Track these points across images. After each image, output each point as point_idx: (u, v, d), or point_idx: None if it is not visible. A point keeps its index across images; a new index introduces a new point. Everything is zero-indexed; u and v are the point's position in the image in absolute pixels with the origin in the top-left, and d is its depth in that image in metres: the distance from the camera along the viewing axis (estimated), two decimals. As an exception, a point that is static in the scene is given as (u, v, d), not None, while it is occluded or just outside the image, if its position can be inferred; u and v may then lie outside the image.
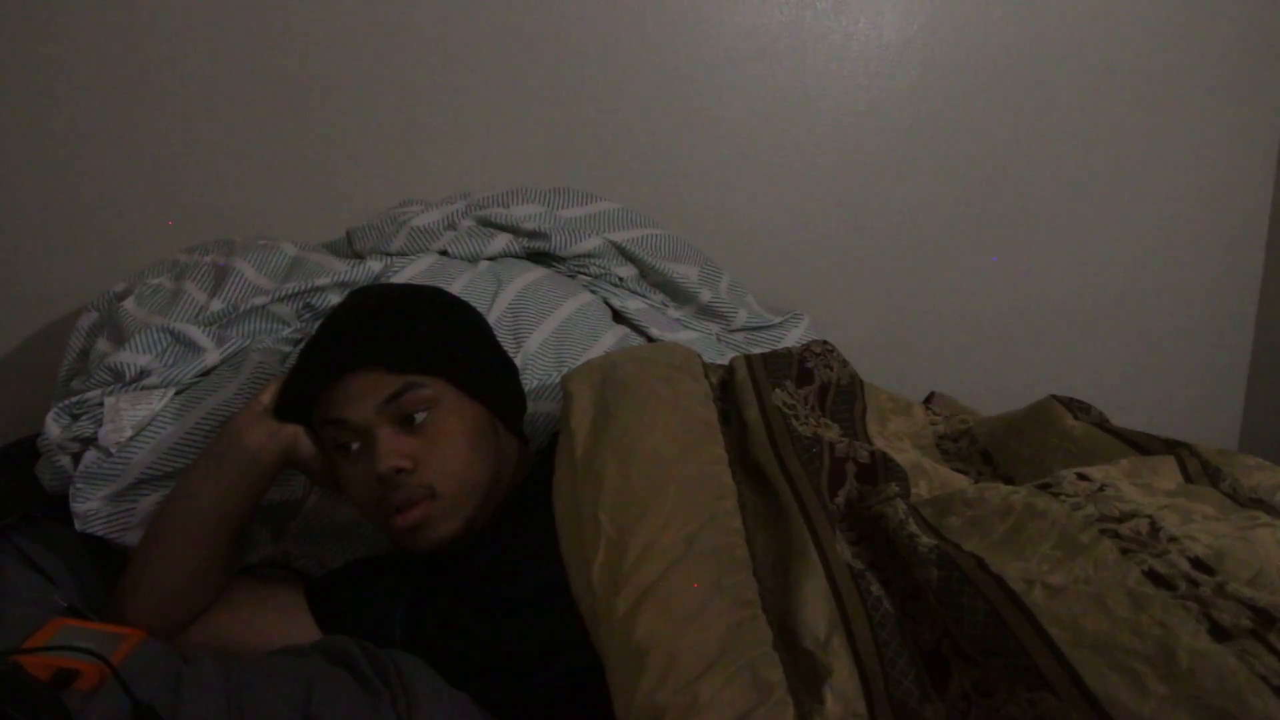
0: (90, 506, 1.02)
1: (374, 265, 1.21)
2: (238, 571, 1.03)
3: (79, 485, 1.02)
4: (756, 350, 1.26)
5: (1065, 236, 1.72)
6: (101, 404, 1.06)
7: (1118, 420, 1.02)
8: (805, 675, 0.71)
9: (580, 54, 1.53)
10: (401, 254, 1.24)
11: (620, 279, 1.33)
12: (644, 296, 1.34)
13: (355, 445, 0.93)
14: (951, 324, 1.73)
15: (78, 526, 1.02)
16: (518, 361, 1.14)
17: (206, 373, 1.11)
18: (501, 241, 1.28)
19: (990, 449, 1.05)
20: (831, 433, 0.95)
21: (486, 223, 1.31)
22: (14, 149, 1.44)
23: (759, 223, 1.63)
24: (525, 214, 1.32)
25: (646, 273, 1.34)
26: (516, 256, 1.31)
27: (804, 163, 1.62)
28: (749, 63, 1.57)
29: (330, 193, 1.50)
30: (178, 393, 1.08)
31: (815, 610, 0.75)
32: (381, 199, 1.44)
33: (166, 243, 1.39)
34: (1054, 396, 1.05)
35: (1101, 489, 0.80)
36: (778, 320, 1.41)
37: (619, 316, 1.31)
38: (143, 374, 1.08)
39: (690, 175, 1.59)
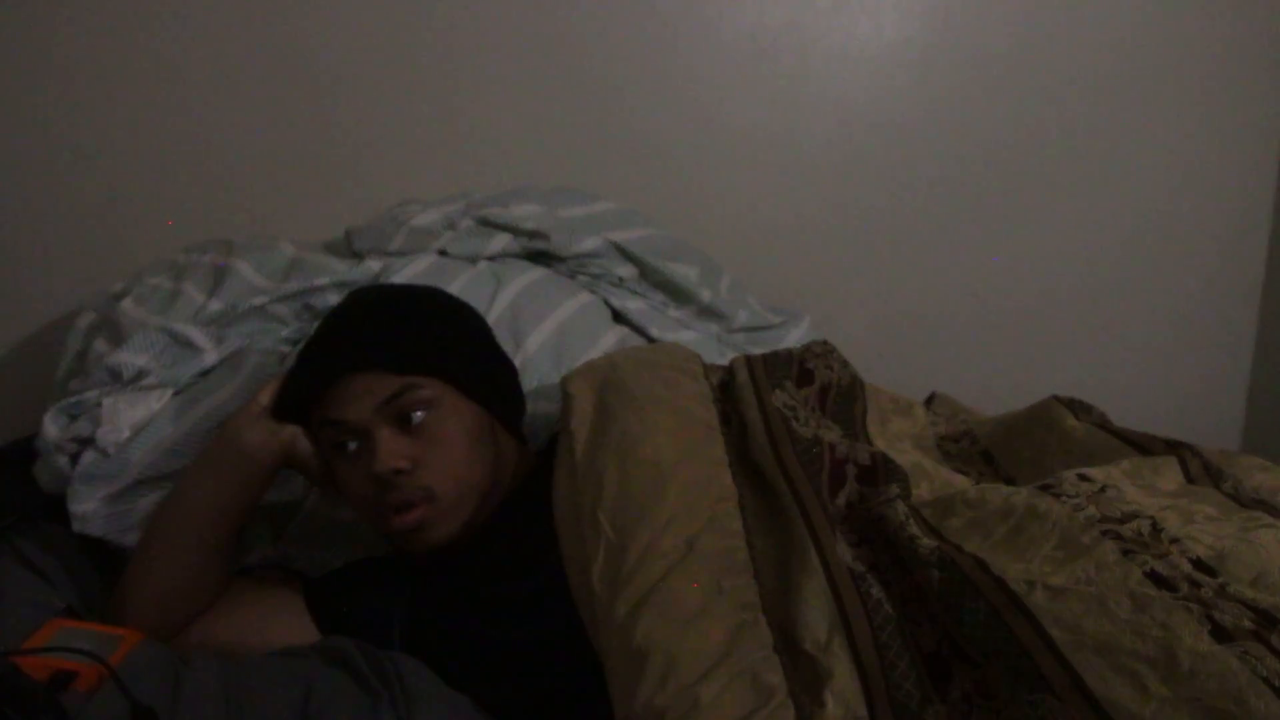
0: (88, 507, 1.02)
1: (373, 265, 1.20)
2: (237, 572, 1.03)
3: (77, 486, 1.02)
4: (757, 350, 1.25)
5: (1066, 236, 1.72)
6: (100, 404, 1.06)
7: (1119, 420, 1.02)
8: (806, 678, 0.71)
9: (581, 54, 1.53)
10: (401, 254, 1.24)
11: (620, 279, 1.33)
12: (644, 297, 1.34)
13: (353, 445, 0.93)
14: (951, 324, 1.73)
15: (75, 527, 1.01)
16: (517, 362, 1.13)
17: (205, 373, 1.10)
18: (501, 241, 1.28)
19: (991, 450, 1.05)
20: (832, 434, 0.95)
21: (486, 223, 1.30)
22: (14, 149, 1.44)
23: (759, 222, 1.63)
24: (525, 214, 1.32)
25: (647, 273, 1.34)
26: (516, 256, 1.30)
27: (804, 162, 1.62)
28: (749, 63, 1.57)
29: (330, 193, 1.50)
30: (176, 393, 1.08)
31: (816, 613, 0.74)
32: (381, 199, 1.44)
33: (166, 243, 1.39)
34: (1055, 397, 1.05)
35: (1103, 490, 0.80)
36: (778, 320, 1.40)
37: (619, 317, 1.31)
38: (141, 374, 1.07)
39: (690, 175, 1.59)
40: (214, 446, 0.97)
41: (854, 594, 0.76)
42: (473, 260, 1.26)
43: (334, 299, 1.15)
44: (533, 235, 1.29)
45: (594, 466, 0.89)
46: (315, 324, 1.06)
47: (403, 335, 0.95)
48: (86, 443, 1.05)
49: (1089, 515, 0.75)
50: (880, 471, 0.88)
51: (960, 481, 0.94)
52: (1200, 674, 0.60)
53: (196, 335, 1.11)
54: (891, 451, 0.94)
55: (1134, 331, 1.79)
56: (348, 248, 1.29)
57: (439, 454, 0.92)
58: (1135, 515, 0.76)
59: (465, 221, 1.29)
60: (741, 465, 0.91)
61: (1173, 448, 0.91)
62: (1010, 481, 0.99)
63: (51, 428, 1.06)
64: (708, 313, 1.35)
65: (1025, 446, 1.02)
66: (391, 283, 1.17)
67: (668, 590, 0.77)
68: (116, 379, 1.07)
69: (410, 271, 1.20)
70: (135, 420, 1.04)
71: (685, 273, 1.34)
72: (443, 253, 1.26)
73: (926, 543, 0.76)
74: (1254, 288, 1.81)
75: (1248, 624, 0.63)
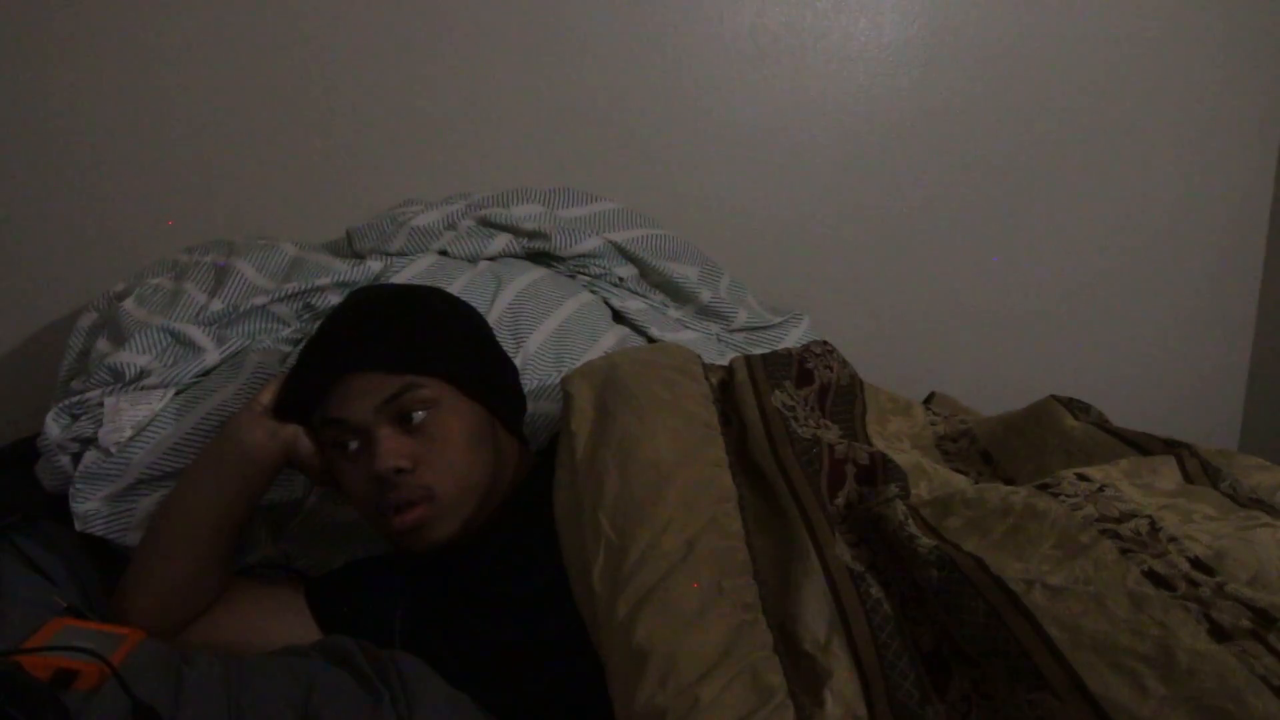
0: (90, 507, 1.02)
1: (374, 265, 1.20)
2: (238, 571, 1.03)
3: (79, 485, 1.02)
4: (757, 350, 1.26)
5: (1065, 236, 1.72)
6: (101, 404, 1.06)
7: (1118, 420, 1.02)
8: (805, 678, 0.71)
9: (581, 54, 1.53)
10: (401, 254, 1.24)
11: (620, 279, 1.33)
12: (644, 297, 1.34)
13: (354, 445, 0.93)
14: (951, 324, 1.73)
15: (77, 527, 1.02)
16: (517, 362, 1.14)
17: (206, 373, 1.11)
18: (501, 241, 1.28)
19: (990, 449, 1.05)
20: (831, 434, 0.95)
21: (486, 223, 1.30)
22: (14, 149, 1.44)
23: (759, 222, 1.63)
24: (525, 214, 1.32)
25: (646, 273, 1.34)
26: (516, 256, 1.31)
27: (804, 162, 1.62)
28: (749, 63, 1.57)
29: (330, 193, 1.50)
30: (178, 393, 1.08)
31: (815, 613, 0.75)
32: (381, 199, 1.44)
33: (166, 243, 1.39)
34: (1054, 397, 1.05)
35: (1101, 489, 0.80)
36: (778, 320, 1.41)
37: (619, 317, 1.31)
38: (143, 374, 1.08)
39: (690, 175, 1.59)
40: (215, 446, 0.97)
41: (853, 594, 0.76)
42: (473, 260, 1.27)
43: (335, 299, 1.16)
44: (533, 235, 1.29)
45: (594, 467, 0.89)
46: (316, 324, 1.06)
47: (403, 335, 0.95)
48: (88, 442, 1.05)
49: (1087, 514, 0.75)
50: (879, 471, 0.88)
51: (959, 481, 0.94)
52: (1198, 673, 0.60)
53: (198, 335, 1.11)
54: (891, 451, 0.94)
55: (1132, 331, 1.79)
56: (348, 248, 1.29)
57: (439, 453, 0.92)
58: (1133, 514, 0.76)
59: (466, 222, 1.30)
60: (741, 466, 0.91)
61: (1171, 447, 0.91)
62: (1009, 481, 0.99)
63: (53, 427, 1.06)
64: (708, 313, 1.35)
65: (1024, 446, 1.02)
66: (392, 283, 1.17)
67: (668, 591, 0.77)
68: (118, 379, 1.07)
69: (411, 271, 1.20)
70: (137, 420, 1.05)
71: (685, 273, 1.34)
72: (443, 253, 1.26)
73: (925, 542, 0.76)
74: (1252, 287, 1.81)
75: (1245, 623, 0.63)
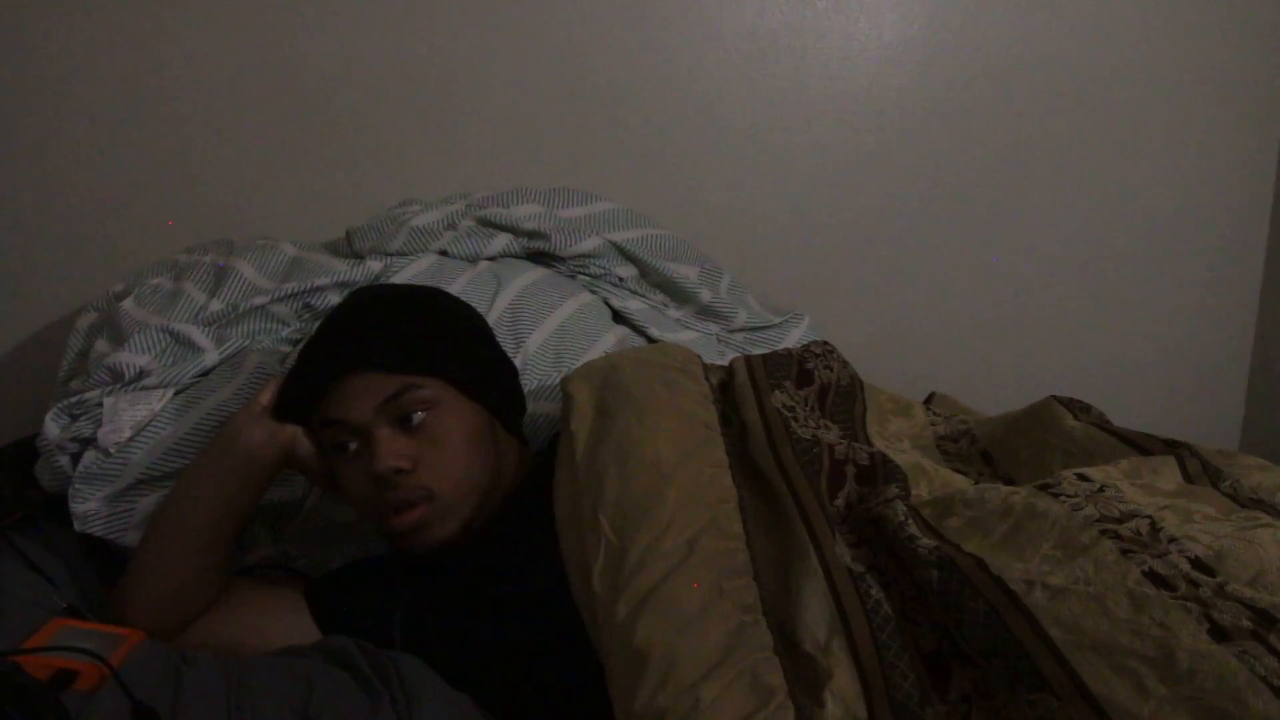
0: (89, 507, 1.02)
1: (374, 265, 1.20)
2: (237, 572, 1.03)
3: (78, 486, 1.02)
4: (757, 351, 1.26)
5: (1065, 236, 1.72)
6: (101, 404, 1.06)
7: (1118, 420, 1.02)
8: (806, 679, 0.71)
9: (580, 54, 1.53)
10: (401, 254, 1.24)
11: (620, 279, 1.33)
12: (644, 297, 1.34)
13: (354, 445, 0.93)
14: (951, 324, 1.73)
15: (77, 527, 1.02)
16: (517, 362, 1.14)
17: (206, 373, 1.11)
18: (501, 241, 1.28)
19: (990, 449, 1.05)
20: (831, 434, 0.95)
21: (486, 223, 1.30)
22: (14, 149, 1.44)
23: (759, 222, 1.63)
24: (525, 214, 1.32)
25: (646, 273, 1.34)
26: (516, 256, 1.31)
27: (804, 162, 1.62)
28: (749, 63, 1.57)
29: (330, 193, 1.50)
30: (177, 393, 1.08)
31: (815, 614, 0.75)
32: (381, 199, 1.44)
33: (166, 243, 1.39)
34: (1054, 397, 1.05)
35: (1101, 489, 0.80)
36: (778, 320, 1.41)
37: (619, 317, 1.31)
38: (142, 374, 1.08)
39: (690, 175, 1.59)
40: (214, 446, 0.97)
41: (853, 594, 0.76)
42: (473, 260, 1.27)
43: (334, 299, 1.15)
44: (533, 235, 1.29)
45: (594, 468, 0.89)
46: (316, 324, 1.06)
47: (403, 335, 0.95)
48: (88, 442, 1.05)
49: (1088, 515, 0.75)
50: (879, 472, 0.88)
51: (959, 481, 0.94)
52: (1199, 673, 0.60)
53: (197, 335, 1.11)
54: (891, 451, 0.94)
55: (1132, 331, 1.79)
56: (348, 248, 1.29)
57: (439, 454, 0.92)
58: (1134, 515, 0.76)
59: (465, 221, 1.30)
60: (741, 466, 0.91)
61: (1171, 447, 0.91)
62: (1009, 481, 0.99)
63: (53, 427, 1.06)
64: (708, 313, 1.35)
65: (1024, 446, 1.02)
66: (392, 283, 1.17)
67: (668, 592, 0.77)
68: (118, 379, 1.07)
69: (411, 271, 1.20)
70: (136, 420, 1.05)
71: (685, 273, 1.34)
72: (443, 253, 1.26)
73: (926, 542, 0.76)
74: (1253, 287, 1.81)
75: (1246, 623, 0.63)
